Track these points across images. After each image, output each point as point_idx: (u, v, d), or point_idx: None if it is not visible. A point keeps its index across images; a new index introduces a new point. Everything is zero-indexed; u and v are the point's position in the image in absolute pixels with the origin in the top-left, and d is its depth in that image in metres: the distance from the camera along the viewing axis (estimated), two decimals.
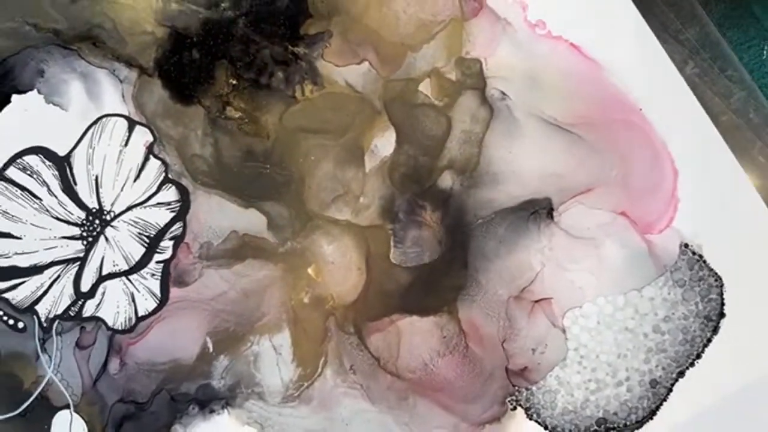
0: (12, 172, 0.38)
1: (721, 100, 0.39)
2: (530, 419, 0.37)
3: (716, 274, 0.36)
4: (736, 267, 0.36)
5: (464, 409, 0.38)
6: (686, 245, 0.36)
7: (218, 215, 0.39)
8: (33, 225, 0.38)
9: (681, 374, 0.38)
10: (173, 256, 0.39)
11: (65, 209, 0.39)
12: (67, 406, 0.39)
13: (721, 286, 0.37)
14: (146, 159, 0.39)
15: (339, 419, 0.39)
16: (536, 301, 0.38)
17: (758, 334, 0.37)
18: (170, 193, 0.39)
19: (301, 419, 0.39)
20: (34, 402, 0.39)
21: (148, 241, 0.39)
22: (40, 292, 0.39)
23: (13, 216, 0.39)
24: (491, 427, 0.38)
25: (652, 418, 0.37)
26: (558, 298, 0.38)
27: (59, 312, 0.39)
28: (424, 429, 0.38)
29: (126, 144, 0.39)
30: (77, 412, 0.39)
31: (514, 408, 0.37)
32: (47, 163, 0.38)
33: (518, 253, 0.38)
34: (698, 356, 0.38)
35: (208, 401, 0.39)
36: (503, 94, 0.38)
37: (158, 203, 0.39)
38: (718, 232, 0.36)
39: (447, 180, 0.38)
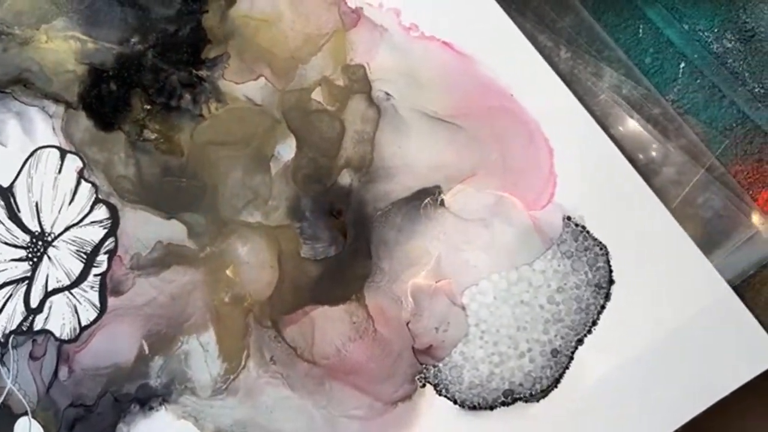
0: None
1: (597, 80, 0.41)
2: (440, 395, 0.38)
3: (600, 242, 0.37)
4: (618, 234, 0.37)
5: (377, 389, 0.40)
6: (569, 218, 0.37)
7: (145, 228, 0.42)
8: None
9: (580, 342, 0.39)
10: (108, 269, 0.42)
11: (12, 234, 0.43)
12: (26, 413, 0.43)
13: (607, 253, 0.37)
14: (78, 183, 0.43)
15: (263, 407, 0.41)
16: (436, 282, 0.40)
17: (648, 296, 0.37)
18: (101, 212, 0.43)
19: (230, 410, 0.41)
20: None
21: (85, 257, 0.42)
22: None
23: None
24: (403, 404, 0.39)
25: (556, 387, 0.38)
26: (456, 278, 0.39)
27: (13, 327, 0.43)
28: (341, 410, 0.40)
29: (60, 171, 0.43)
30: (34, 418, 0.43)
31: (424, 385, 0.38)
32: None
33: (416, 239, 0.40)
34: (594, 323, 0.39)
35: (147, 399, 0.42)
36: (387, 94, 0.40)
37: (92, 222, 0.43)
38: (598, 203, 0.36)
39: (346, 177, 0.41)
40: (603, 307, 0.37)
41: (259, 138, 0.40)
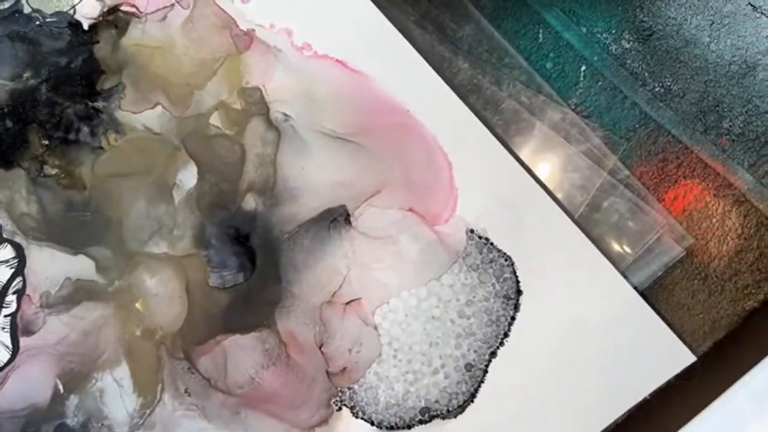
0: None
1: (497, 88, 0.40)
2: (356, 417, 0.36)
3: (505, 254, 0.35)
4: (522, 244, 0.35)
5: (293, 415, 0.39)
6: (472, 231, 0.35)
7: (52, 265, 0.41)
8: None
9: (493, 354, 0.38)
10: (18, 309, 0.41)
11: None
12: None
13: (512, 264, 0.35)
14: None
15: None
16: (347, 303, 0.38)
17: (558, 304, 0.35)
18: (7, 251, 0.42)
19: None
20: None
21: None
22: None
23: None
24: (320, 429, 0.36)
25: (473, 401, 0.35)
26: (367, 297, 0.37)
27: None
28: None
29: None
30: None
31: (340, 408, 0.36)
32: None
33: (325, 260, 0.38)
34: (506, 335, 0.37)
35: None
36: (285, 115, 0.39)
37: None
38: (499, 214, 0.34)
39: (250, 202, 0.40)
40: (513, 318, 0.36)
41: (160, 167, 0.38)
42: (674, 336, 0.34)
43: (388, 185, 0.36)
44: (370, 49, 0.35)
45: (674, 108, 0.37)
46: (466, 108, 0.34)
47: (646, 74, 0.37)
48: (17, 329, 0.39)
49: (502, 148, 0.34)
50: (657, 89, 0.37)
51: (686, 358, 0.34)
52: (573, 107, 0.37)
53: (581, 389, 0.35)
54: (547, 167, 0.36)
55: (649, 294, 0.36)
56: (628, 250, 0.36)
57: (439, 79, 0.35)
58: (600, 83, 0.38)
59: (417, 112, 0.35)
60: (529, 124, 0.37)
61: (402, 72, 0.35)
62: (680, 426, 0.34)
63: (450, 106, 0.35)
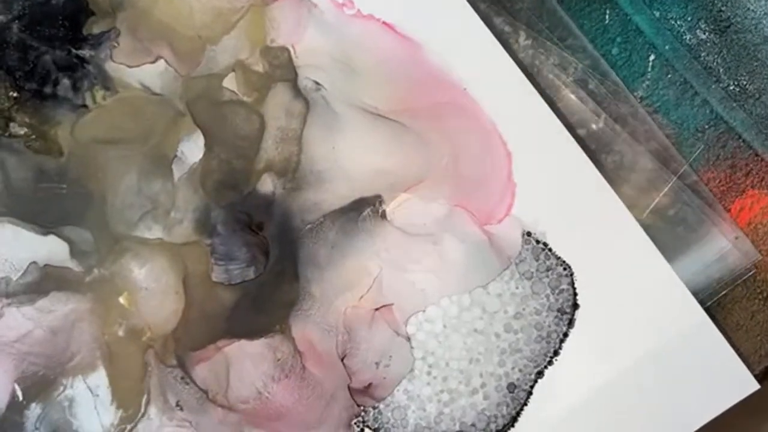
0: None
1: (560, 72, 0.36)
2: None
3: (564, 262, 0.30)
4: (584, 252, 0.30)
5: None
6: (529, 233, 0.30)
7: (14, 246, 0.33)
8: None
9: (540, 374, 0.32)
10: None
11: None
12: None
13: (572, 274, 0.30)
14: None
15: None
16: (376, 309, 0.31)
17: (616, 321, 0.30)
18: None
19: None
20: None
21: None
22: None
23: None
24: None
25: (513, 426, 0.30)
26: (399, 304, 0.30)
27: None
28: None
29: None
30: None
31: (362, 430, 0.30)
32: None
33: (352, 258, 0.31)
34: (556, 353, 0.32)
35: None
36: (317, 84, 0.33)
37: None
38: (561, 217, 0.30)
39: (267, 184, 0.33)
40: (566, 334, 0.32)
41: (158, 134, 0.31)
42: (740, 361, 0.31)
43: (434, 175, 0.30)
44: (425, 12, 0.29)
45: (748, 110, 0.33)
46: (534, 91, 0.29)
47: (721, 70, 0.33)
48: None
49: (572, 140, 0.29)
50: (731, 87, 0.33)
51: (750, 384, 0.31)
52: (638, 100, 0.33)
53: (635, 416, 0.31)
54: (610, 165, 0.32)
55: (707, 312, 0.32)
56: (690, 264, 0.32)
57: (506, 55, 0.29)
58: (669, 76, 0.33)
59: (475, 92, 0.30)
60: (592, 117, 0.32)
61: (461, 43, 0.29)
62: None
63: (515, 87, 0.29)
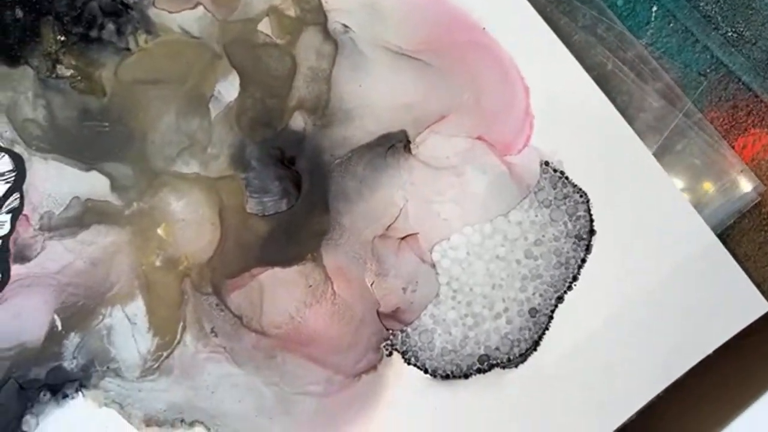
0: None
1: (570, 19, 0.38)
2: (408, 363, 0.31)
3: (580, 189, 0.31)
4: (599, 180, 0.31)
5: (337, 360, 0.34)
6: (546, 163, 0.31)
7: (58, 181, 0.34)
8: None
9: (560, 299, 0.32)
10: (12, 231, 0.34)
11: None
12: None
13: (587, 201, 0.31)
14: None
15: (204, 387, 0.31)
16: (402, 238, 0.32)
17: (631, 247, 0.31)
18: (3, 163, 0.35)
19: (163, 392, 0.33)
20: None
21: None
22: None
23: None
24: (367, 376, 0.31)
25: (536, 350, 0.31)
26: (425, 232, 0.32)
27: None
28: (296, 387, 0.31)
29: None
30: None
31: (390, 353, 0.31)
32: None
33: (380, 190, 0.32)
34: (574, 278, 0.32)
35: (60, 385, 0.34)
36: (345, 26, 0.33)
37: None
38: (577, 147, 0.31)
39: (299, 121, 0.34)
40: (584, 260, 0.33)
41: (196, 75, 0.33)
42: (751, 283, 0.32)
43: (456, 110, 0.32)
44: None
45: (746, 54, 0.35)
46: (549, 29, 0.31)
47: (719, 18, 0.35)
48: (9, 255, 0.32)
49: (586, 75, 0.31)
50: (729, 34, 0.35)
51: (761, 305, 0.32)
52: (644, 48, 0.35)
53: (653, 338, 0.31)
54: (619, 104, 0.33)
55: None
56: (701, 194, 0.33)
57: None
58: (672, 25, 0.35)
59: (494, 31, 0.31)
60: (601, 59, 0.34)
61: None
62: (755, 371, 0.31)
63: (531, 25, 0.31)
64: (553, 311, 0.32)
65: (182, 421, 0.31)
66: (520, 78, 0.31)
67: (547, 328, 0.32)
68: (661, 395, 0.31)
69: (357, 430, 0.31)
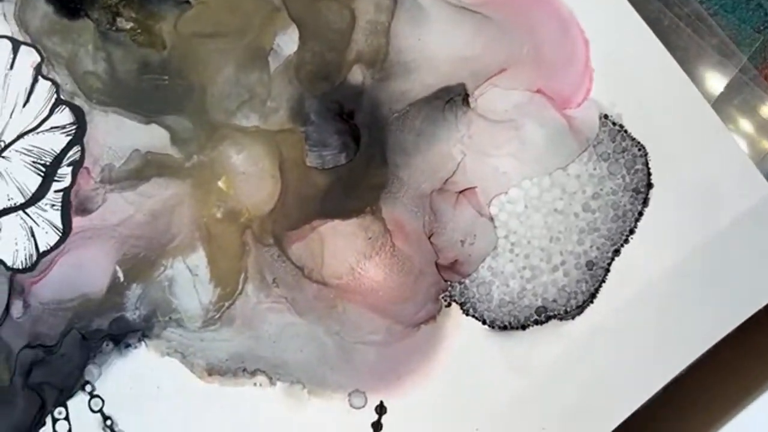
0: None
1: None
2: (467, 314, 0.31)
3: (639, 143, 0.31)
4: (658, 134, 0.31)
5: (397, 310, 0.34)
6: (606, 116, 0.31)
7: (118, 134, 0.34)
8: None
9: (617, 252, 0.32)
10: (73, 183, 0.34)
11: None
12: None
13: (646, 155, 0.31)
14: (35, 81, 0.34)
15: (266, 337, 0.32)
16: (460, 192, 0.32)
17: (688, 201, 0.31)
18: (64, 116, 0.35)
19: (225, 342, 0.33)
20: None
21: (44, 169, 0.34)
22: None
23: None
24: (427, 327, 0.31)
25: (592, 302, 0.31)
26: (482, 186, 0.31)
27: None
28: (357, 336, 0.32)
29: (11, 67, 0.34)
30: None
31: (449, 304, 0.31)
32: None
33: (438, 144, 0.32)
34: (632, 232, 0.32)
35: (122, 335, 0.34)
36: None
37: (52, 128, 0.35)
38: (636, 100, 0.31)
39: (357, 75, 0.34)
40: (641, 213, 0.33)
41: (255, 29, 0.33)
42: None
43: (515, 63, 0.32)
44: None
45: None
46: None
47: None
48: (70, 207, 0.32)
49: (647, 28, 0.31)
50: None
51: None
52: (699, 4, 0.35)
53: (709, 291, 0.32)
54: (677, 59, 0.33)
55: None
56: (759, 149, 0.33)
57: None
58: None
59: None
60: (658, 14, 0.34)
61: None
62: None
63: None
64: (610, 264, 0.32)
65: (244, 370, 0.32)
66: (580, 31, 0.31)
67: (603, 281, 0.32)
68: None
69: (417, 378, 0.31)
